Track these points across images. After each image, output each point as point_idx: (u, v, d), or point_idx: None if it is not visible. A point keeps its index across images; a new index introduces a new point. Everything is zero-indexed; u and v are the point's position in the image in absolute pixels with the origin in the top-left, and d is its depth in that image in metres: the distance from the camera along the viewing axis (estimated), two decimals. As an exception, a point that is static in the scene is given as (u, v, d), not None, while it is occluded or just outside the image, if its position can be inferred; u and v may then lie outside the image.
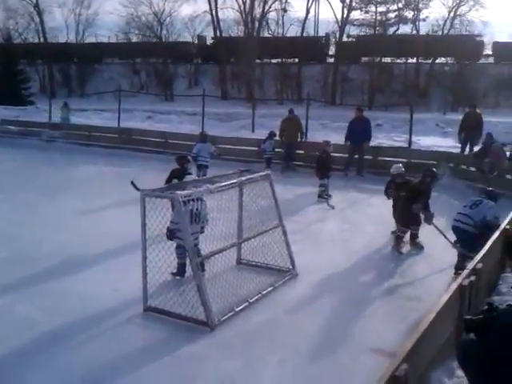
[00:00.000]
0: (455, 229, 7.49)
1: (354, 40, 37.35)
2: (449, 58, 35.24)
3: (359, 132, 14.59)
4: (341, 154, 14.59)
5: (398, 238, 8.52)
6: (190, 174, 9.25)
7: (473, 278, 4.83)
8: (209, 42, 41.23)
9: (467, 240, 7.31)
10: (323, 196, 11.87)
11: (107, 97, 29.03)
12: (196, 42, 41.50)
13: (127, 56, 41.64)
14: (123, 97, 24.72)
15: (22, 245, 8.31)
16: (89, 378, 4.84)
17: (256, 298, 6.44)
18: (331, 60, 38.40)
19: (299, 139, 16.17)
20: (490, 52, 36.03)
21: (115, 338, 5.53)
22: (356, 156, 14.76)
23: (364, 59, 36.45)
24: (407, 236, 8.55)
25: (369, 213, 9.15)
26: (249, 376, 4.92)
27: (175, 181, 7.90)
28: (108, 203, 10.98)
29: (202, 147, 12.84)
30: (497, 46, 35.35)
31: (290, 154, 15.74)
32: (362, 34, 37.78)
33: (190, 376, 4.91)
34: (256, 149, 16.44)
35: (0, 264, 7.55)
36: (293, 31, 39.84)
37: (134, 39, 42.82)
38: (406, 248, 8.51)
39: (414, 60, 36.55)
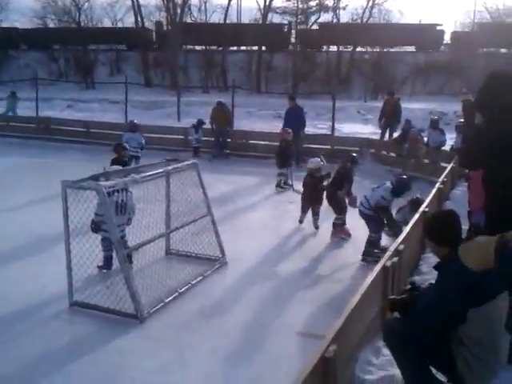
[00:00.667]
0: (359, 211, 7.81)
1: (317, 28, 37.25)
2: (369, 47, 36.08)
3: (294, 121, 14.60)
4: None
5: (335, 226, 8.68)
6: (126, 162, 9.12)
7: (395, 259, 5.01)
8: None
9: (368, 221, 7.65)
10: (281, 185, 11.81)
11: (24, 85, 27.59)
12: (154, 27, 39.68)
13: (45, 42, 39.70)
14: (41, 85, 23.75)
15: None
16: (15, 378, 4.65)
17: (186, 288, 6.40)
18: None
19: (228, 128, 16.18)
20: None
21: (41, 335, 5.33)
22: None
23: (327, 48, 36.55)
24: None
25: (297, 199, 9.33)
26: (181, 366, 4.89)
27: None
28: (26, 196, 10.50)
29: (130, 137, 12.40)
30: (455, 35, 36.43)
31: (220, 142, 15.70)
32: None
33: (121, 369, 4.82)
34: (182, 137, 16.31)
35: None
36: (215, 18, 39.59)
37: (51, 25, 40.94)
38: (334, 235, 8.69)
39: (335, 48, 37.26)
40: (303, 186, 9.26)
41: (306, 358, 3.23)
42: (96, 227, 6.51)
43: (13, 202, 10.10)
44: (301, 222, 9.17)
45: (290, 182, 11.89)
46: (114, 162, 8.86)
